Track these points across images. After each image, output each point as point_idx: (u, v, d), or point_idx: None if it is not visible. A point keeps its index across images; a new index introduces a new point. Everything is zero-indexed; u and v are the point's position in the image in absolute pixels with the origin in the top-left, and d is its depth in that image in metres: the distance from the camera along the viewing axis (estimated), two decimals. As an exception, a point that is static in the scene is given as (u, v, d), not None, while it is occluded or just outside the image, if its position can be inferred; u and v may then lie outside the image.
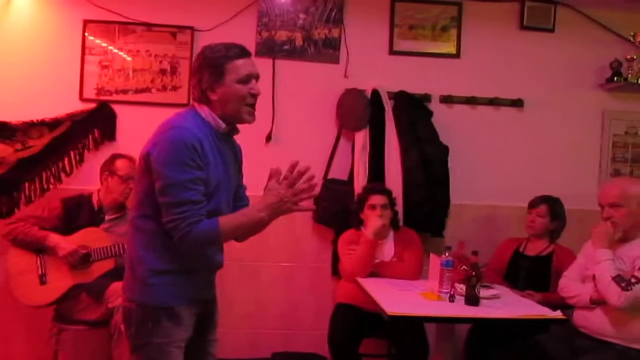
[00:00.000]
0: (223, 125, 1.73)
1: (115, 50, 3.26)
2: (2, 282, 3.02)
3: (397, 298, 2.39)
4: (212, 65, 1.69)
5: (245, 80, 1.70)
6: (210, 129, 1.71)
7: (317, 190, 1.67)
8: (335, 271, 3.25)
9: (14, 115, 3.07)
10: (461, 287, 2.47)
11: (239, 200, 1.88)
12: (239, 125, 1.81)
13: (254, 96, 1.73)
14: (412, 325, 2.67)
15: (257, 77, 1.75)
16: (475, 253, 2.43)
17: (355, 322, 2.83)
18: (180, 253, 1.68)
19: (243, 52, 1.72)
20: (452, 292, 2.46)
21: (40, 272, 2.77)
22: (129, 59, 3.27)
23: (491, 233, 3.37)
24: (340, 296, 3.00)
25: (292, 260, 3.34)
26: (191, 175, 1.61)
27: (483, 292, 2.40)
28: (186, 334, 1.72)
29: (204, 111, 1.73)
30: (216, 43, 1.74)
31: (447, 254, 2.52)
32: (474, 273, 2.33)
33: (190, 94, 3.23)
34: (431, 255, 2.59)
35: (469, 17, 3.42)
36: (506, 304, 2.39)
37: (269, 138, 3.29)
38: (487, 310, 2.25)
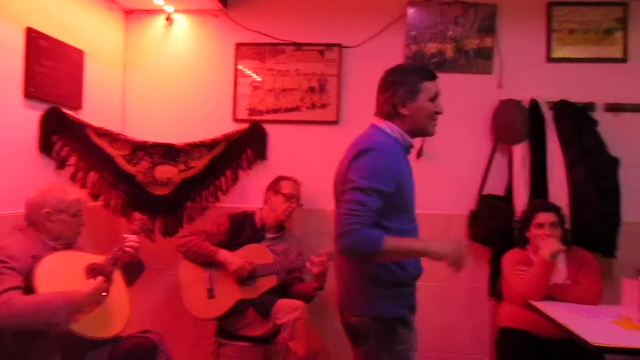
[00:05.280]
0: (410, 139, 1.88)
1: (265, 73, 3.35)
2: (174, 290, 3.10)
3: (591, 326, 2.18)
4: (409, 82, 1.85)
5: (434, 98, 1.87)
6: (398, 144, 1.84)
7: None
8: (494, 292, 3.08)
9: (177, 137, 3.20)
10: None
11: None
12: None
13: (439, 113, 1.90)
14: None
15: (440, 95, 1.90)
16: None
17: (527, 349, 2.64)
18: (407, 262, 1.82)
19: (434, 75, 1.89)
20: (651, 321, 2.21)
21: (208, 286, 2.86)
22: (278, 79, 3.34)
23: (668, 254, 3.05)
24: (505, 320, 2.81)
25: (447, 280, 3.18)
26: (382, 187, 1.71)
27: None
28: (417, 339, 1.88)
29: (390, 127, 1.86)
30: (407, 64, 2.01)
31: (642, 278, 2.27)
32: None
33: (338, 111, 3.28)
34: (624, 279, 2.36)
35: (637, 17, 3.14)
36: None
37: (420, 154, 3.20)
38: None
